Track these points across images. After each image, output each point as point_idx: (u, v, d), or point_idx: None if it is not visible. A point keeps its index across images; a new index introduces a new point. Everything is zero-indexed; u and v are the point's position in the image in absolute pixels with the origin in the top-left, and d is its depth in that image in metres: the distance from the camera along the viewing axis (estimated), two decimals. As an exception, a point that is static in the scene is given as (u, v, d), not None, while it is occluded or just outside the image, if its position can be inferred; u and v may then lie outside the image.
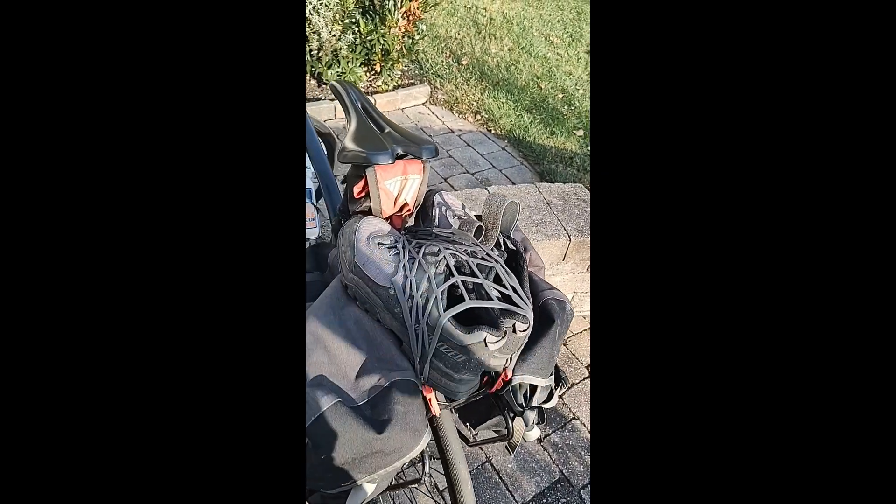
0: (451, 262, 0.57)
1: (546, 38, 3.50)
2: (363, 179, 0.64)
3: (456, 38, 3.22)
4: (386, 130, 0.68)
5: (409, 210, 0.67)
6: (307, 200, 1.11)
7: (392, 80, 2.51)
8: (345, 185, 0.74)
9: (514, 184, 2.15)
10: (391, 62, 2.38)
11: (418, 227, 0.68)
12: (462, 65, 2.94)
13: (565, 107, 2.78)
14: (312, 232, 1.11)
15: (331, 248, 0.71)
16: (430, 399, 0.57)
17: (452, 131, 2.46)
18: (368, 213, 0.66)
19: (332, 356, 0.55)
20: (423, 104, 2.62)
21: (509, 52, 3.19)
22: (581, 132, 2.59)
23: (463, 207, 0.70)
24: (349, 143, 0.65)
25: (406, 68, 2.71)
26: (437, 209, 0.67)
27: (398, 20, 2.25)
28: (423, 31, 2.39)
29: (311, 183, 1.12)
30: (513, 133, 2.48)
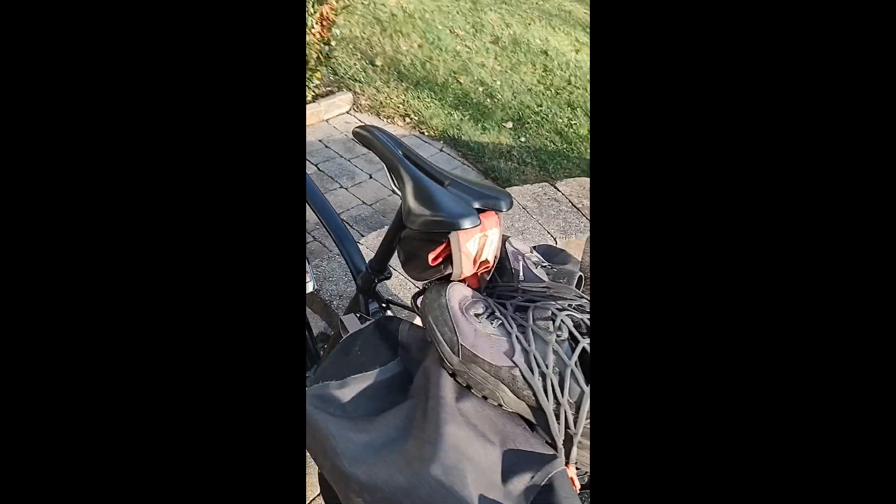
0: (571, 325, 0.52)
1: (451, 31, 3.47)
2: (442, 245, 0.56)
3: (362, 38, 3.08)
4: (447, 183, 0.60)
5: (488, 267, 0.60)
6: (297, 252, 0.98)
7: (310, 90, 2.33)
8: (395, 246, 0.65)
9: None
10: (309, 72, 2.21)
11: (495, 283, 0.61)
12: (377, 66, 2.82)
13: (488, 100, 2.78)
14: (307, 287, 0.98)
15: (400, 324, 0.62)
16: (572, 479, 0.52)
17: (385, 138, 2.36)
18: (445, 279, 0.58)
19: (475, 464, 0.47)
20: (347, 112, 2.47)
21: (420, 48, 3.12)
22: (510, 124, 2.62)
23: (532, 250, 0.65)
24: (416, 206, 0.56)
25: (321, 76, 2.53)
26: (514, 260, 0.61)
27: (313, 26, 2.08)
28: (337, 35, 2.24)
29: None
30: (447, 133, 2.43)
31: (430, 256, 0.57)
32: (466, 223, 0.53)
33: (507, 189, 1.48)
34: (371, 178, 2.09)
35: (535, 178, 2.24)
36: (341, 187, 2.01)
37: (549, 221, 1.39)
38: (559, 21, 4.26)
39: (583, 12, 4.76)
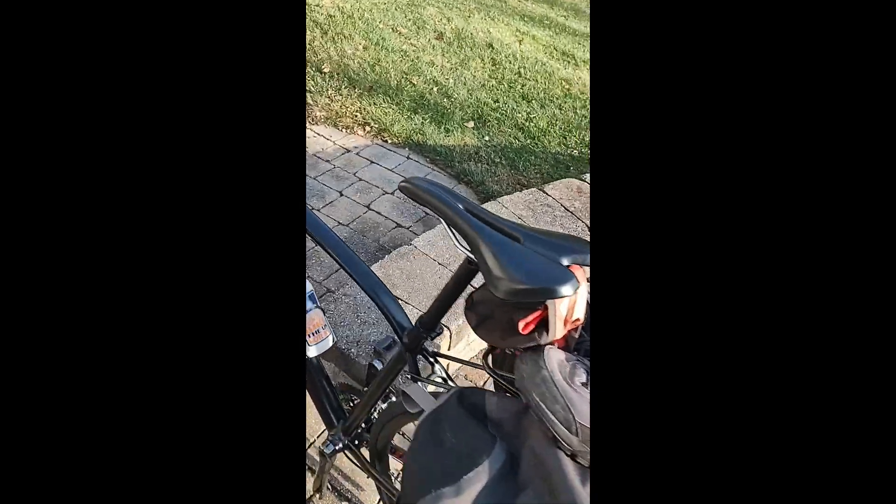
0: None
1: (393, 30, 3.36)
2: (536, 312, 0.51)
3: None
4: (522, 238, 0.55)
5: (577, 325, 0.55)
6: (312, 304, 0.89)
7: (261, 106, 2.17)
8: (465, 309, 0.59)
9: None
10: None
11: (583, 338, 0.57)
12: (325, 73, 2.68)
13: (445, 99, 2.72)
14: (325, 344, 0.90)
15: (486, 397, 0.56)
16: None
17: (348, 150, 2.24)
18: (537, 347, 0.53)
19: None
20: (302, 126, 2.33)
21: (366, 50, 3.00)
22: (471, 124, 2.57)
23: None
24: (503, 273, 0.51)
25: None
26: (598, 312, 0.57)
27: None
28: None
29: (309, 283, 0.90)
30: (411, 139, 2.36)
31: (522, 325, 0.52)
32: (567, 290, 0.48)
33: (497, 199, 1.44)
34: (342, 195, 1.99)
35: (507, 177, 2.22)
36: (313, 209, 1.89)
37: (548, 228, 1.37)
38: (497, 11, 4.25)
39: (516, 0, 4.77)
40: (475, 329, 0.58)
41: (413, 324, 0.71)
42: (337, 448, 0.96)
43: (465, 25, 3.69)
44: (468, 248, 0.57)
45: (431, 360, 0.74)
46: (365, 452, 0.96)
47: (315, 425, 1.26)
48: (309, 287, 0.89)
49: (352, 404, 1.02)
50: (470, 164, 2.25)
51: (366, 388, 1.01)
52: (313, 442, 1.20)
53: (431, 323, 0.68)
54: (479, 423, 0.54)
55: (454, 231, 0.57)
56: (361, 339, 1.09)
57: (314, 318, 0.88)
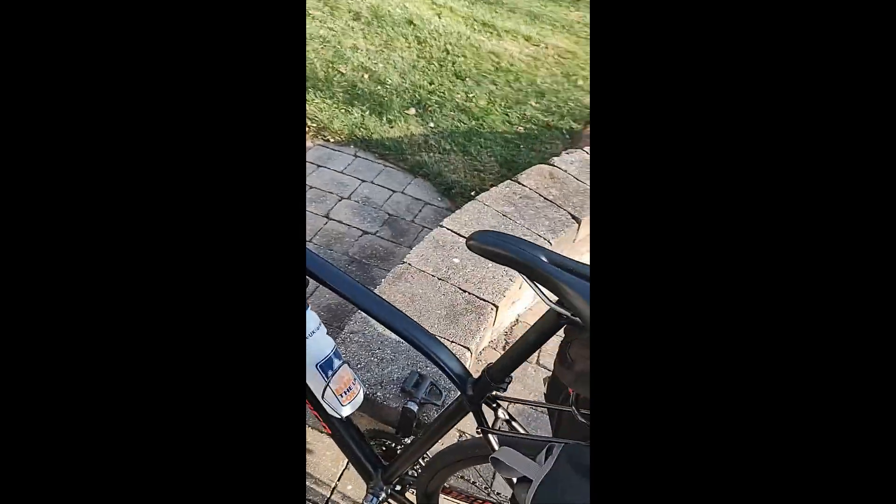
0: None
1: (306, 13, 3.11)
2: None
3: (210, 38, 2.62)
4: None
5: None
6: (339, 360, 0.81)
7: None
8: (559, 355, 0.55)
9: (395, 192, 1.96)
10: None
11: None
12: (243, 71, 2.43)
13: (379, 87, 2.58)
14: (358, 400, 0.83)
15: (600, 455, 0.53)
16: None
17: (290, 156, 2.07)
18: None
19: None
20: (232, 135, 2.12)
21: (281, 39, 2.76)
22: (412, 111, 2.47)
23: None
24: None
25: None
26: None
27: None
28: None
29: (321, 337, 0.81)
30: (354, 135, 2.22)
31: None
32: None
33: (477, 199, 1.39)
34: (296, 208, 1.84)
35: (462, 165, 2.16)
36: (268, 228, 1.74)
37: (535, 223, 1.35)
38: (408, -17, 4.07)
39: (423, -31, 4.59)
40: (572, 386, 0.54)
41: (467, 372, 0.66)
42: (380, 499, 0.90)
43: (379, 2, 3.50)
44: (553, 300, 0.53)
45: (493, 405, 0.70)
46: (410, 495, 0.92)
47: (332, 468, 1.19)
48: (332, 342, 0.81)
49: (383, 448, 0.96)
50: (422, 155, 2.17)
51: (398, 432, 0.95)
52: (335, 486, 1.13)
53: (501, 375, 0.63)
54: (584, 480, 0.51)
55: (538, 285, 0.53)
56: (384, 380, 1.02)
57: (343, 375, 0.80)
